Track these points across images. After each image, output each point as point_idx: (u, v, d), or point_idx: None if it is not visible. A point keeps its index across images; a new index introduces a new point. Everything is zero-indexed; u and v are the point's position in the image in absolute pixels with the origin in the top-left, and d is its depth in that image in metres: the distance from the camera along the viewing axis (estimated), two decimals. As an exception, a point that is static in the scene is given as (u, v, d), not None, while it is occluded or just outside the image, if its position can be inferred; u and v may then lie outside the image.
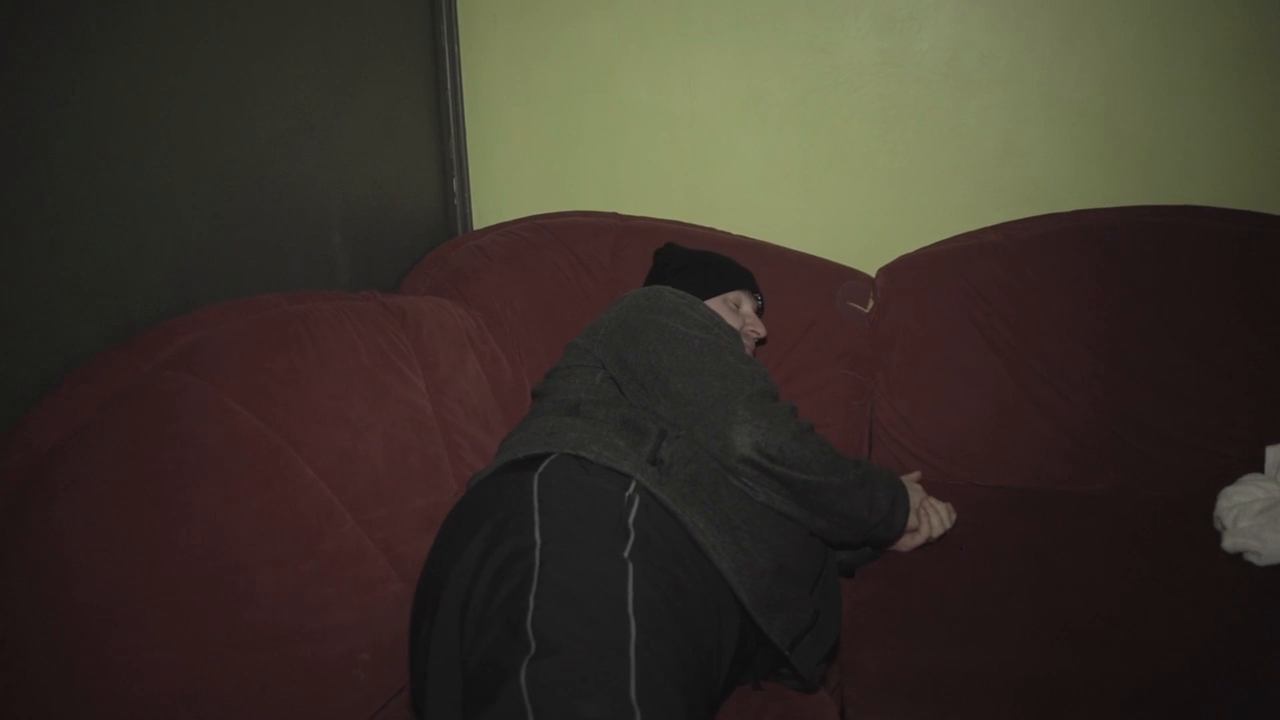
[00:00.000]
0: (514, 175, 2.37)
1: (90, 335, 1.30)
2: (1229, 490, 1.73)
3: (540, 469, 1.30)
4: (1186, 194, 2.13)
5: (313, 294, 1.64)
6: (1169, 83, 2.11)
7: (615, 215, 2.24)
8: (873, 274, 2.18)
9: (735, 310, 1.82)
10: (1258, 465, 1.80)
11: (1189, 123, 2.12)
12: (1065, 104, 2.15)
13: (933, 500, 1.70)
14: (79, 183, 1.28)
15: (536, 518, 1.22)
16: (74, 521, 1.11)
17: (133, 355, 1.29)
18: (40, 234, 1.22)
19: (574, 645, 1.07)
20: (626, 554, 1.20)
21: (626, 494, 1.29)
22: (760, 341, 1.89)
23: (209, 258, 1.52)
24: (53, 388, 1.21)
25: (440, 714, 1.19)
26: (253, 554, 1.27)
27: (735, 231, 2.24)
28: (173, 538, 1.19)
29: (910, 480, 1.76)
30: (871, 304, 2.11)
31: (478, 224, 2.38)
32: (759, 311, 1.91)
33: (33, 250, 1.21)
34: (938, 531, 1.67)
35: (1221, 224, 2.03)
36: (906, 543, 1.66)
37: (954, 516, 1.71)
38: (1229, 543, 1.64)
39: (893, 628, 1.51)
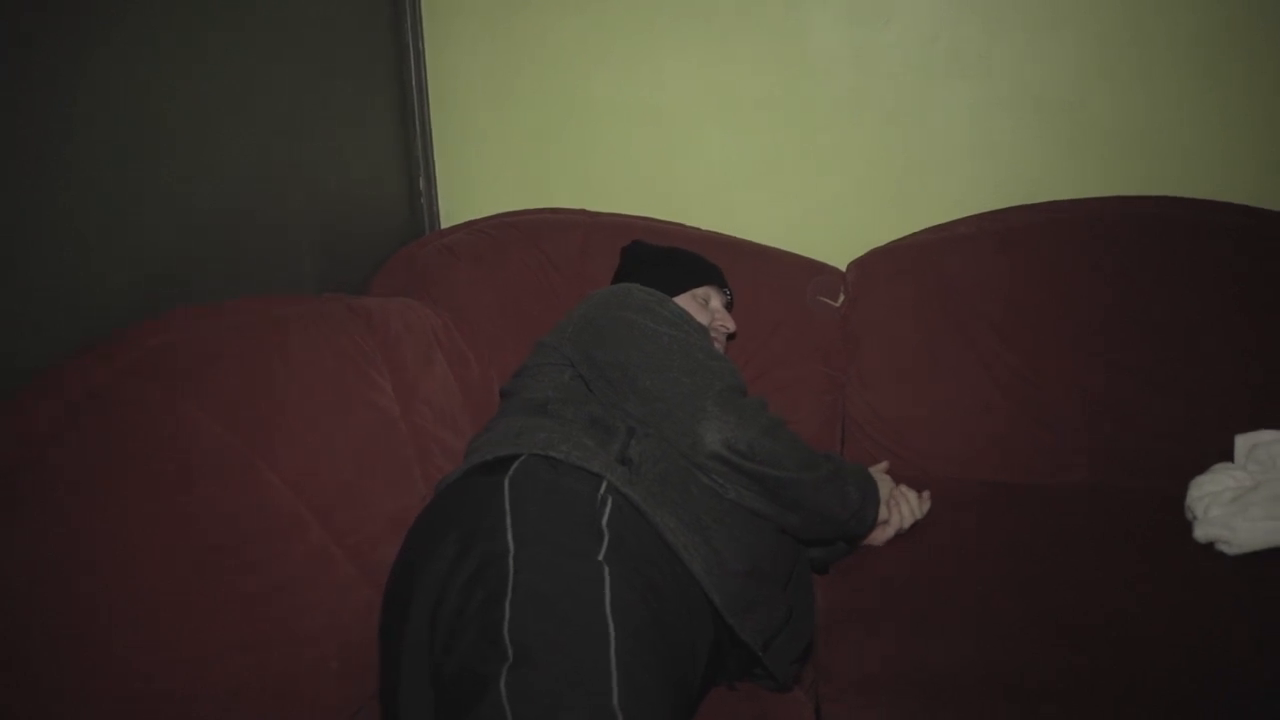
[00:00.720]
0: (482, 173, 2.35)
1: (50, 341, 1.27)
2: (1200, 480, 1.74)
3: (510, 472, 1.29)
4: (1157, 185, 2.14)
5: (279, 298, 1.61)
6: (1139, 74, 2.11)
7: (584, 212, 2.22)
8: (843, 268, 2.17)
9: (704, 306, 1.81)
10: (1230, 454, 1.80)
11: (1160, 114, 2.13)
12: (1036, 96, 2.15)
13: (903, 489, 1.70)
14: (37, 186, 1.25)
15: (509, 522, 1.20)
16: (34, 534, 1.08)
17: (94, 362, 1.25)
18: (-5, 239, 1.20)
19: (553, 652, 1.06)
20: (601, 556, 1.18)
21: (599, 495, 1.28)
22: (730, 336, 1.88)
23: (173, 260, 1.49)
24: (9, 396, 1.18)
25: None
26: (219, 563, 1.24)
27: (705, 227, 2.23)
28: (137, 548, 1.16)
29: (878, 471, 1.76)
30: (842, 298, 2.10)
31: (445, 223, 2.36)
32: (728, 306, 1.90)
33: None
34: (908, 521, 1.67)
35: (1193, 214, 2.04)
36: (878, 535, 1.66)
37: (927, 504, 1.71)
38: (1200, 532, 1.64)
39: (867, 625, 1.51)
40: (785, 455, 1.42)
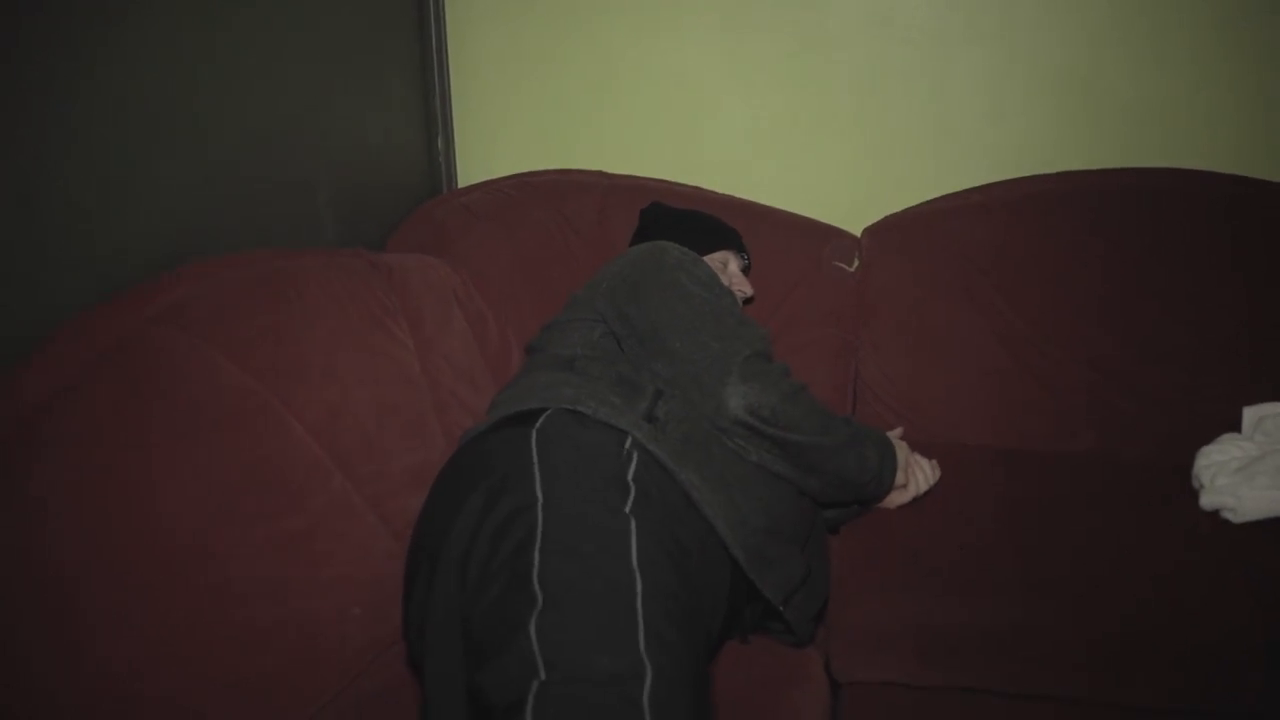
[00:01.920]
0: (500, 133, 2.36)
1: (75, 292, 1.29)
2: (1207, 449, 1.76)
3: (538, 424, 1.30)
4: (1170, 156, 2.14)
5: (299, 251, 1.63)
6: (1155, 46, 2.11)
7: (601, 174, 2.23)
8: (858, 234, 2.18)
9: (723, 269, 1.82)
10: (1237, 425, 1.82)
11: (1174, 85, 2.13)
12: (1051, 66, 2.15)
13: (917, 456, 1.72)
14: (60, 139, 1.26)
15: (537, 473, 1.21)
16: (61, 477, 1.10)
17: (120, 311, 1.28)
18: (21, 191, 1.21)
19: (581, 599, 1.07)
20: (628, 509, 1.19)
21: (624, 449, 1.29)
22: (747, 300, 1.90)
23: (193, 216, 1.51)
24: (38, 344, 1.20)
25: (441, 670, 1.18)
26: (242, 509, 1.27)
27: (722, 191, 2.23)
28: (162, 493, 1.19)
29: (894, 437, 1.78)
30: (857, 264, 2.11)
31: (463, 182, 2.36)
32: (745, 270, 1.91)
33: (14, 207, 1.20)
34: (924, 488, 1.69)
35: (1206, 186, 2.04)
36: (894, 499, 1.68)
37: (938, 473, 1.73)
38: (1206, 500, 1.66)
39: (877, 583, 1.53)
40: (805, 420, 1.44)
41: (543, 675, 0.99)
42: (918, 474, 1.68)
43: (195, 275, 1.39)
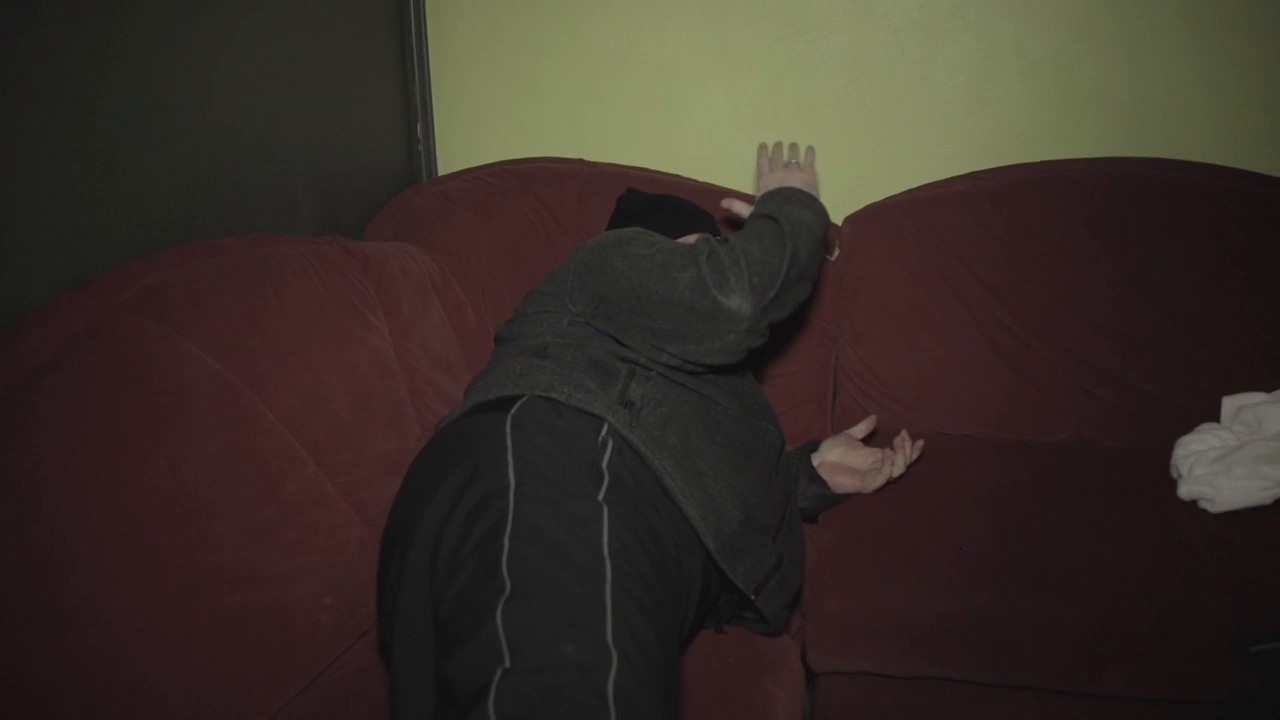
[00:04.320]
0: (480, 121, 2.35)
1: (48, 278, 1.28)
2: (1185, 439, 1.76)
3: (512, 411, 1.30)
4: (1156, 146, 2.14)
5: (274, 238, 1.61)
6: (1140, 34, 2.11)
7: (581, 161, 2.22)
8: (839, 222, 2.18)
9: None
10: (1216, 415, 1.83)
11: (1160, 75, 2.12)
12: (1036, 54, 2.14)
13: (903, 436, 1.72)
14: (32, 123, 1.25)
15: (510, 459, 1.21)
16: (31, 464, 1.10)
17: (91, 297, 1.27)
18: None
19: (550, 587, 1.06)
20: (601, 497, 1.19)
21: (599, 436, 1.29)
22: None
23: (168, 203, 1.50)
24: (9, 329, 1.19)
25: (410, 656, 1.18)
26: (213, 497, 1.26)
27: (702, 179, 2.23)
28: (132, 481, 1.18)
29: (855, 431, 1.78)
30: (837, 252, 2.11)
31: (443, 170, 2.35)
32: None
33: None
34: (901, 469, 1.69)
35: (1190, 176, 2.04)
36: (871, 483, 1.68)
37: (918, 451, 1.72)
38: (1184, 490, 1.67)
39: (854, 573, 1.53)
40: (771, 253, 1.43)
41: (507, 663, 0.98)
42: (898, 458, 1.68)
43: (169, 262, 1.38)
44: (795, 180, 1.68)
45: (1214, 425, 1.79)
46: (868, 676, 1.51)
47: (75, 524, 1.11)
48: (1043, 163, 2.13)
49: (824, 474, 1.69)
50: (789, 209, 1.51)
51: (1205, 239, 1.97)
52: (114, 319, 1.26)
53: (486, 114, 2.34)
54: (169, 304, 1.32)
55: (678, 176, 2.21)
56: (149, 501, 1.19)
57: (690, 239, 1.79)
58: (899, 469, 1.69)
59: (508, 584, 1.05)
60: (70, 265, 1.32)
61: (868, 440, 1.80)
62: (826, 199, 2.19)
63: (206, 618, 1.21)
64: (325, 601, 1.35)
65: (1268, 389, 1.83)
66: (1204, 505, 1.64)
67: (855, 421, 1.84)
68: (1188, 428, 1.80)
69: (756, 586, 1.36)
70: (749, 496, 1.41)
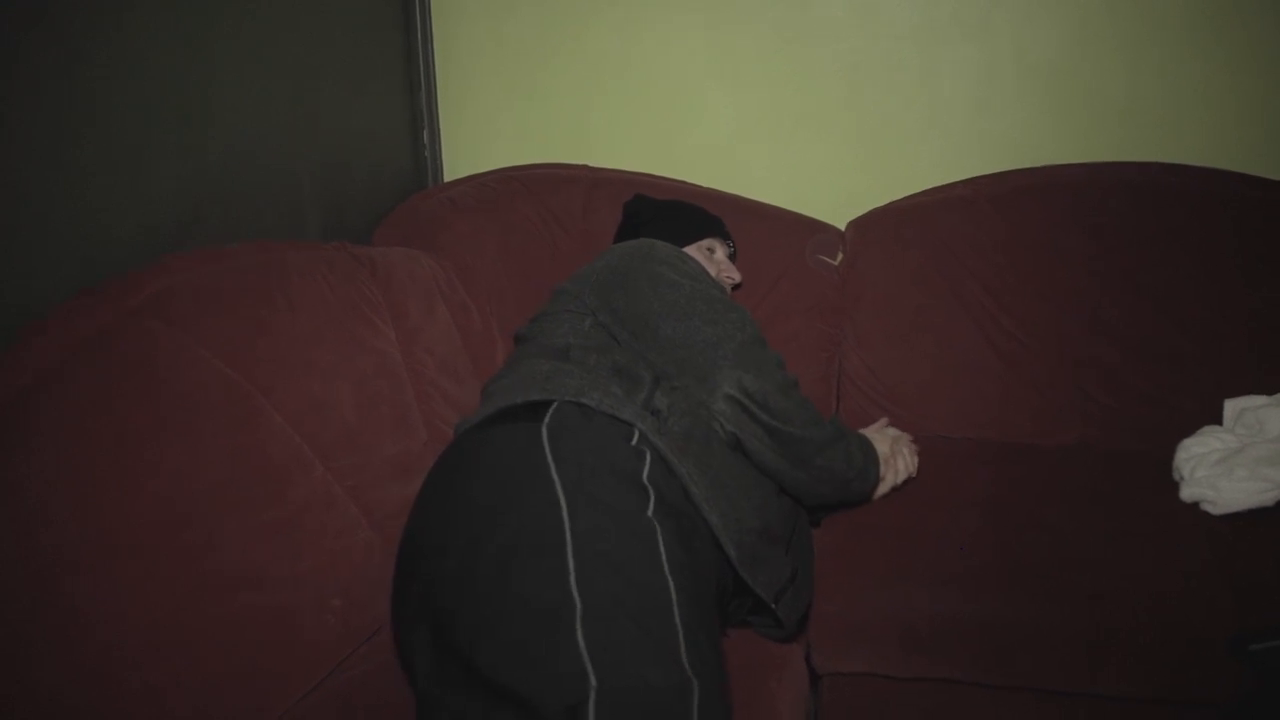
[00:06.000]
0: (485, 127, 2.36)
1: (58, 283, 1.29)
2: (1187, 442, 1.77)
3: (546, 421, 1.27)
4: (1156, 151, 2.15)
5: (283, 244, 1.63)
6: (1140, 40, 2.12)
7: (585, 167, 2.23)
8: (843, 227, 2.19)
9: (709, 256, 1.83)
10: (1218, 418, 1.83)
11: (1160, 80, 2.13)
12: (1035, 61, 2.15)
13: (902, 441, 1.72)
14: (44, 131, 1.26)
15: (554, 474, 1.18)
16: (41, 467, 1.10)
17: (101, 302, 1.27)
18: (3, 183, 1.21)
19: (626, 611, 1.05)
20: (650, 513, 1.18)
21: (632, 444, 1.28)
22: (735, 287, 1.90)
23: (177, 209, 1.51)
24: (20, 333, 1.20)
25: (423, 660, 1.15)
26: (222, 500, 1.27)
27: (706, 185, 2.24)
28: (141, 483, 1.18)
29: (879, 428, 1.78)
30: (841, 257, 2.12)
31: (449, 176, 2.37)
32: (731, 258, 1.92)
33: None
34: (903, 476, 1.70)
35: (1191, 181, 2.05)
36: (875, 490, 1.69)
37: (916, 457, 1.73)
38: (1186, 492, 1.67)
39: (858, 575, 1.54)
40: (795, 413, 1.44)
41: (594, 682, 0.98)
42: (898, 463, 1.69)
43: (178, 267, 1.39)
44: (881, 444, 1.69)
45: (1216, 428, 1.79)
46: (871, 678, 1.51)
47: (82, 527, 1.11)
48: (1043, 167, 2.14)
49: None
50: (857, 444, 1.58)
51: (1205, 242, 1.97)
52: (123, 323, 1.26)
53: (492, 121, 2.36)
54: (178, 308, 1.33)
55: (682, 183, 2.22)
56: (157, 504, 1.19)
57: (705, 243, 1.81)
58: (902, 476, 1.69)
59: (578, 603, 1.04)
60: (80, 271, 1.33)
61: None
62: (829, 204, 2.22)
63: (213, 620, 1.21)
64: (333, 604, 1.36)
65: (1269, 391, 1.83)
66: (1206, 507, 1.64)
67: (858, 426, 1.85)
68: (1189, 430, 1.80)
69: (775, 594, 1.37)
70: (768, 510, 1.42)
